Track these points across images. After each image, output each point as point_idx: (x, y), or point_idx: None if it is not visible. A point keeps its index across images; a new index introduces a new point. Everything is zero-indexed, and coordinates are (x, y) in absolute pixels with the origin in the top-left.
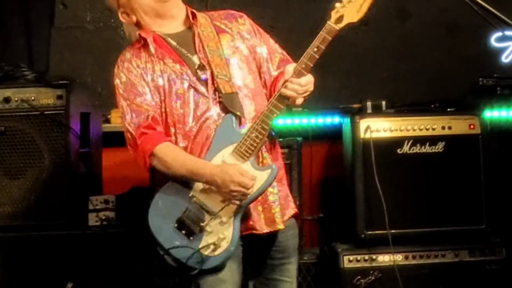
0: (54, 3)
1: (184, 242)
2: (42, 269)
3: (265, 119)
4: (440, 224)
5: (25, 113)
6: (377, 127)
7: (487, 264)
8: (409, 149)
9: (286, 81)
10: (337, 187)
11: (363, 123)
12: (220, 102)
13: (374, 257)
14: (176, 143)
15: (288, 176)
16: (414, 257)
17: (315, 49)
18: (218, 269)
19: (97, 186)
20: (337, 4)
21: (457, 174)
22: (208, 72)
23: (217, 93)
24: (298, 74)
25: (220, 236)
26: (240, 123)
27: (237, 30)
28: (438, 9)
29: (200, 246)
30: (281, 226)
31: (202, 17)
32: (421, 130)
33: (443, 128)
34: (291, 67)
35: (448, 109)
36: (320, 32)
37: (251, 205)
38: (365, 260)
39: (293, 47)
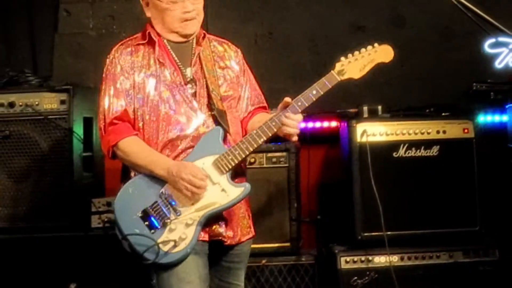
0: (57, 10)
1: (145, 232)
2: (45, 269)
3: (251, 140)
4: (435, 226)
5: (29, 117)
6: (373, 131)
7: (480, 265)
8: (405, 152)
9: (276, 114)
10: (334, 190)
11: (360, 127)
12: (211, 115)
13: (370, 258)
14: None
15: (286, 179)
16: (409, 258)
17: (314, 92)
18: (172, 265)
19: (99, 188)
20: (343, 58)
21: (451, 177)
22: (199, 87)
23: (209, 107)
24: (292, 110)
25: (182, 236)
26: (225, 138)
27: (229, 63)
28: (432, 16)
29: (159, 240)
30: (243, 239)
31: (206, 43)
32: (416, 134)
33: (437, 132)
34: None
35: (443, 114)
36: (322, 78)
37: (222, 215)
38: (362, 261)
39: (291, 53)
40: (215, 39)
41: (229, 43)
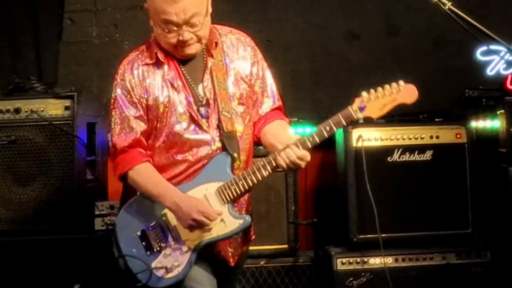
0: (62, 19)
1: (141, 253)
2: (50, 271)
3: (257, 172)
4: (428, 228)
5: (34, 123)
6: (369, 137)
7: (473, 266)
8: (399, 157)
9: (286, 147)
10: (330, 194)
11: (355, 133)
12: (220, 140)
13: (365, 259)
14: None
15: (284, 183)
16: (403, 260)
17: (328, 128)
18: None
19: (103, 192)
20: (364, 94)
21: (444, 181)
22: (211, 108)
23: (219, 130)
24: (302, 144)
25: (175, 263)
26: (233, 163)
27: (243, 62)
28: (426, 24)
29: (153, 265)
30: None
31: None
32: (410, 139)
33: (431, 137)
34: (294, 136)
35: (436, 119)
36: (338, 114)
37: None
38: (357, 263)
39: (288, 60)
40: (225, 33)
41: (241, 35)
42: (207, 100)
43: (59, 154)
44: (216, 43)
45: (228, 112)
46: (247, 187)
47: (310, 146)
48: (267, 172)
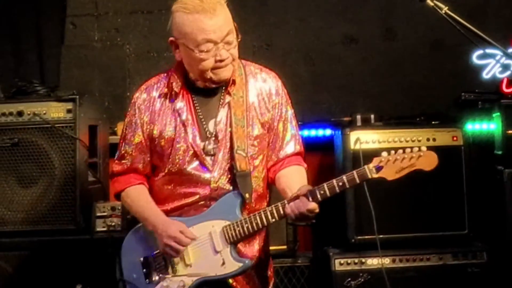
0: (64, 23)
1: (140, 280)
2: (52, 271)
3: (263, 217)
4: (425, 229)
5: (37, 125)
6: (366, 139)
7: (469, 267)
8: None
9: (296, 197)
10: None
11: (353, 135)
12: (228, 179)
13: (363, 260)
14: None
15: None
16: (400, 261)
17: (340, 184)
18: None
19: (104, 193)
20: (384, 154)
21: (441, 183)
22: (221, 143)
23: (230, 169)
24: (312, 196)
25: None
26: (243, 204)
27: (266, 104)
28: (423, 29)
29: None
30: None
31: (238, 77)
32: (407, 141)
33: (428, 139)
34: (305, 186)
35: (433, 122)
36: (354, 172)
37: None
38: (355, 263)
39: (287, 64)
40: (251, 70)
41: (269, 75)
42: (216, 137)
43: (61, 156)
44: (234, 81)
45: (243, 150)
46: (251, 231)
47: (320, 199)
48: (273, 220)
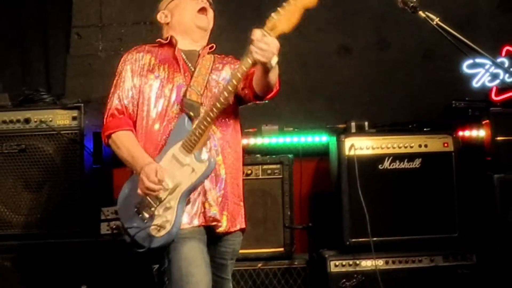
0: (69, 34)
1: (141, 224)
2: (58, 273)
3: (207, 117)
4: (417, 232)
5: (43, 132)
6: (361, 145)
7: (459, 268)
8: (389, 165)
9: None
10: (324, 199)
11: (348, 142)
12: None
13: (357, 262)
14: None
15: (280, 189)
16: (393, 262)
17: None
18: (181, 239)
19: (108, 198)
20: (273, 15)
21: (432, 188)
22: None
23: (183, 98)
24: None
25: (164, 219)
26: (192, 120)
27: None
28: (415, 39)
29: (151, 229)
30: (233, 229)
31: (209, 55)
32: (400, 148)
33: (419, 146)
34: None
35: (424, 129)
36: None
37: (214, 202)
38: (350, 265)
39: (283, 72)
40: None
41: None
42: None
43: (66, 162)
44: (212, 47)
45: (198, 91)
46: (202, 132)
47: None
48: (214, 114)
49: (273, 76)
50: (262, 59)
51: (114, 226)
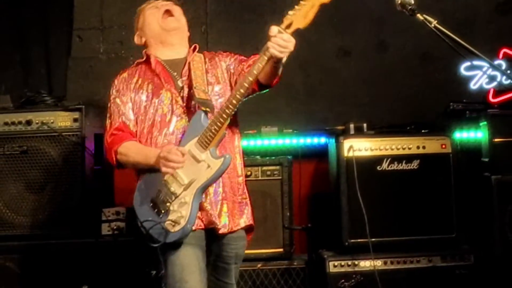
0: (71, 36)
1: (156, 219)
2: (59, 273)
3: (223, 113)
4: (415, 233)
5: (45, 134)
6: (359, 147)
7: (457, 269)
8: (388, 166)
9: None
10: (323, 200)
11: (347, 143)
12: (187, 108)
13: (356, 262)
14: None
15: (280, 190)
16: (392, 263)
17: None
18: (178, 244)
19: (109, 199)
20: (290, 12)
21: (430, 189)
22: (186, 91)
23: (190, 98)
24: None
25: (179, 214)
26: (207, 114)
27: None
28: (413, 41)
29: (166, 224)
30: (235, 228)
31: (197, 55)
32: (398, 149)
33: (417, 147)
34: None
35: (422, 131)
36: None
37: (212, 203)
38: (348, 265)
39: (283, 75)
40: (208, 57)
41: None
42: (183, 87)
43: (68, 164)
44: (195, 47)
45: (203, 90)
46: (217, 128)
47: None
48: (230, 110)
49: (280, 68)
50: (279, 55)
51: (114, 227)
